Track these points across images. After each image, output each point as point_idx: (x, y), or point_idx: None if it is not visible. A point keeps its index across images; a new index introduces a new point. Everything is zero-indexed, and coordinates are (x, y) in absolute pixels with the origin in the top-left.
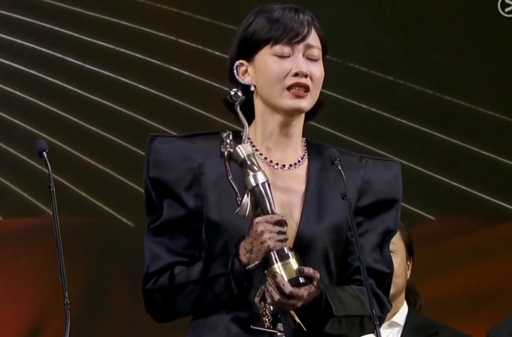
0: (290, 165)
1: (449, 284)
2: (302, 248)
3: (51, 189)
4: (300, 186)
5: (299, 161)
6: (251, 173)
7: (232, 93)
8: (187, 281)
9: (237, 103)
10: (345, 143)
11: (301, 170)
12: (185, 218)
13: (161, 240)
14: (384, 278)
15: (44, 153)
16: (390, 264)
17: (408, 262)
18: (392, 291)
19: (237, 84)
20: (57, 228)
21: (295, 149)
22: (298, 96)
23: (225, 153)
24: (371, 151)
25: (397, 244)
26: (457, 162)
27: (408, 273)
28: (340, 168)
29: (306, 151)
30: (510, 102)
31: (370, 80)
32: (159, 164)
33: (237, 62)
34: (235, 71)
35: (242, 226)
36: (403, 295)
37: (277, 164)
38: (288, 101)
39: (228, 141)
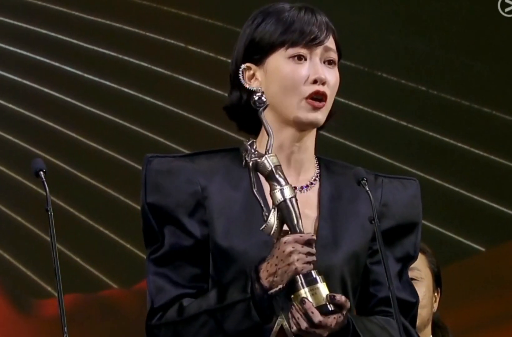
0: (302, 188)
1: None
2: None
3: (49, 213)
4: (313, 211)
5: (311, 183)
6: (278, 187)
7: (256, 98)
8: (199, 312)
9: (261, 109)
10: (372, 159)
11: (313, 193)
12: (190, 247)
13: (165, 272)
14: (409, 308)
15: (41, 173)
16: (414, 293)
17: (436, 293)
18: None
19: (242, 90)
20: (56, 256)
21: (307, 167)
22: (315, 108)
23: (250, 163)
24: (401, 170)
25: (422, 271)
26: (498, 181)
27: (435, 305)
28: (367, 188)
29: (318, 170)
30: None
31: (400, 90)
32: (158, 188)
33: (244, 65)
34: (240, 75)
35: (254, 254)
36: (429, 329)
37: None
38: (304, 113)
39: (253, 150)
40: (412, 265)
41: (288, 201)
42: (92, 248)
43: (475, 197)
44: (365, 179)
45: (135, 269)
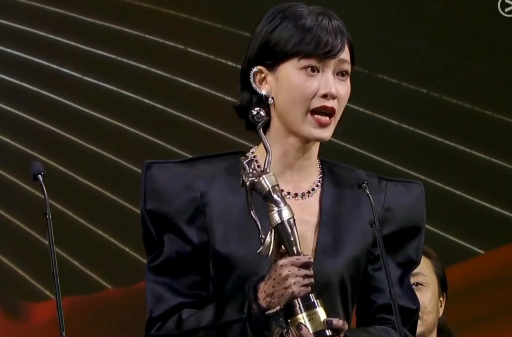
0: (303, 194)
1: None
2: (318, 285)
3: (47, 216)
4: (314, 217)
5: (313, 189)
6: (276, 209)
7: (254, 112)
8: (197, 327)
9: (260, 124)
10: (373, 163)
11: (314, 199)
12: (189, 255)
13: (164, 280)
14: (410, 315)
15: (40, 176)
16: (415, 300)
17: (441, 298)
18: (421, 329)
19: (251, 92)
20: (54, 260)
21: (310, 173)
22: (322, 125)
23: (247, 183)
24: (402, 173)
25: (428, 276)
26: (499, 184)
27: (441, 310)
28: (368, 192)
29: (321, 175)
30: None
31: (401, 93)
32: (157, 194)
33: (256, 68)
34: (251, 78)
35: (253, 261)
36: (434, 334)
37: (288, 193)
38: (310, 129)
39: (250, 170)
40: (418, 270)
41: (285, 223)
42: (91, 252)
43: (476, 199)
44: (366, 182)
45: (134, 272)
